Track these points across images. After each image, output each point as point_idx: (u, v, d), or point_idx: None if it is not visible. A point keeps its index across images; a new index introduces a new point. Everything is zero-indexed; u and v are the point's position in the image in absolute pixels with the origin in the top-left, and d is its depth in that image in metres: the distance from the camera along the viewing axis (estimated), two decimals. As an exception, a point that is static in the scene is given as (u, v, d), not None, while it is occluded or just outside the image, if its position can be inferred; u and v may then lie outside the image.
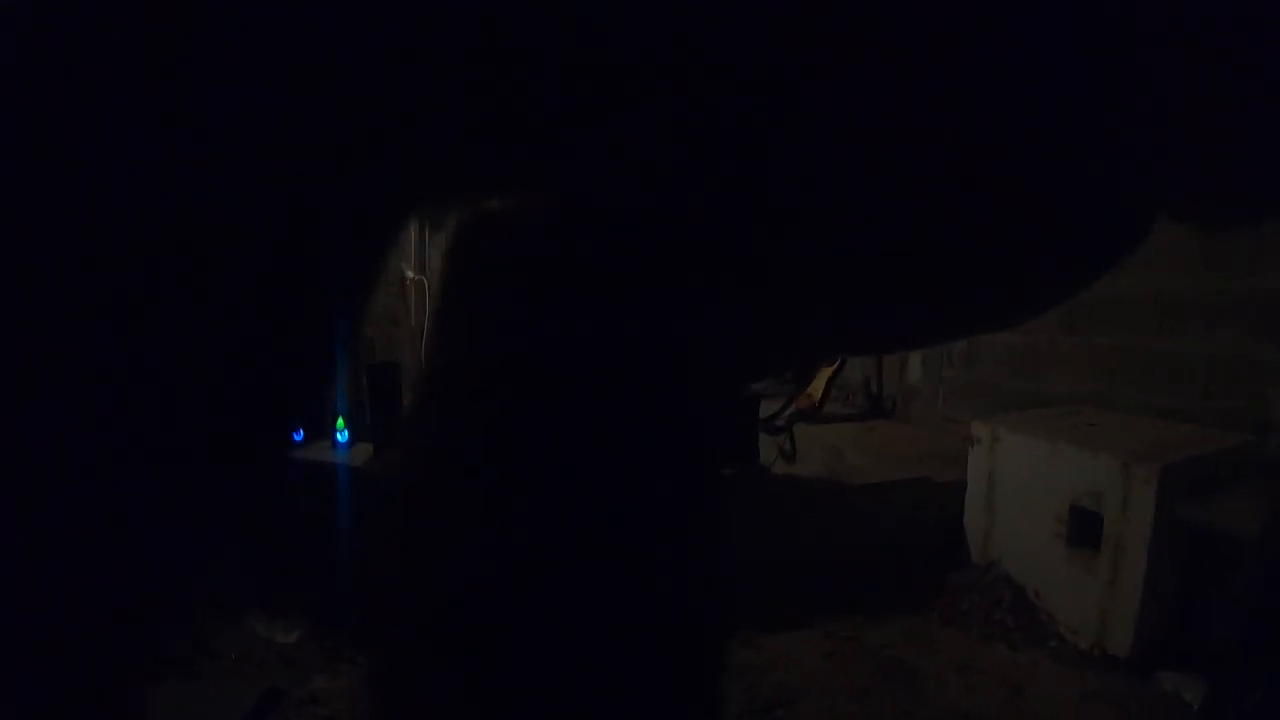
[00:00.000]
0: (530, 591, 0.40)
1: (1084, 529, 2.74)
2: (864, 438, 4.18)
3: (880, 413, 4.88)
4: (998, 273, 0.47)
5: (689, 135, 0.36)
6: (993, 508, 3.13)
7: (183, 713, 2.24)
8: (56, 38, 0.26)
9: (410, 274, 4.33)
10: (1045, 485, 2.88)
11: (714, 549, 0.46)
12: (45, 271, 0.28)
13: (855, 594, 3.03)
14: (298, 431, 3.26)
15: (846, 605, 2.96)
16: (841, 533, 3.20)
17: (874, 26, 0.35)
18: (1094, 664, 2.63)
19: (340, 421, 3.32)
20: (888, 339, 0.57)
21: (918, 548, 3.26)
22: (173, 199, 0.29)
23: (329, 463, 3.12)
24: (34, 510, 0.29)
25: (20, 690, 0.30)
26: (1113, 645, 2.63)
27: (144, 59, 0.27)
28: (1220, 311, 3.16)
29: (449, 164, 0.35)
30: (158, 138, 0.28)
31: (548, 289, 0.41)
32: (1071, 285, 0.53)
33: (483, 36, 0.31)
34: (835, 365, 4.28)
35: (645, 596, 0.42)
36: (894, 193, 0.40)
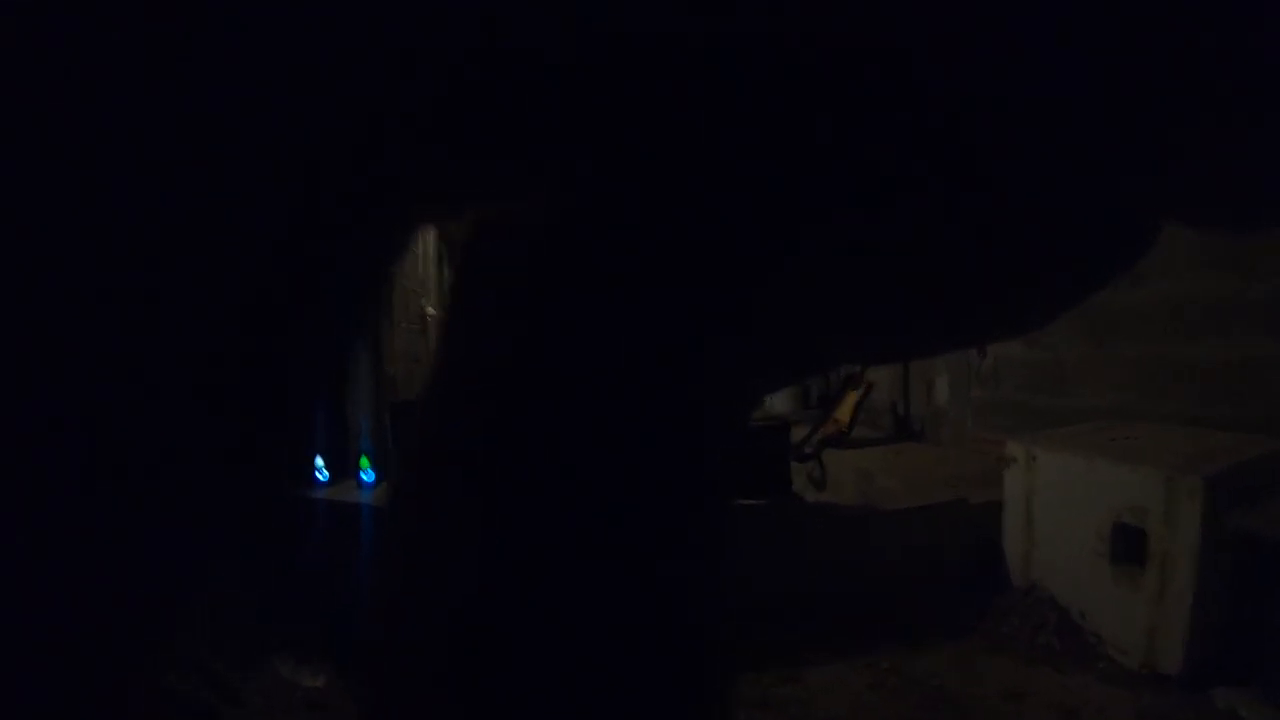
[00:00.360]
0: (528, 594, 0.41)
1: (1128, 545, 2.68)
2: (894, 461, 4.14)
3: (908, 435, 4.84)
4: (998, 274, 0.47)
5: (691, 135, 0.37)
6: (1032, 528, 3.06)
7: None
8: (56, 37, 0.26)
9: (431, 310, 4.33)
10: (1085, 503, 2.82)
11: (714, 552, 0.46)
12: (44, 271, 0.28)
13: (896, 622, 2.96)
14: (315, 457, 3.24)
15: (887, 634, 2.89)
16: (878, 559, 3.15)
17: (875, 24, 0.35)
18: (1145, 684, 2.55)
19: (365, 461, 3.29)
20: (891, 344, 0.56)
21: (956, 572, 3.20)
22: (171, 198, 0.29)
23: (354, 502, 3.09)
24: (32, 509, 0.29)
25: (20, 690, 0.29)
26: (1163, 663, 2.55)
27: (143, 58, 0.27)
28: (1246, 313, 3.12)
29: (450, 164, 0.35)
30: (155, 137, 0.28)
31: (546, 289, 0.42)
32: (1075, 289, 0.52)
33: (483, 36, 0.31)
34: (862, 390, 4.23)
35: (644, 599, 0.42)
36: (894, 191, 0.40)
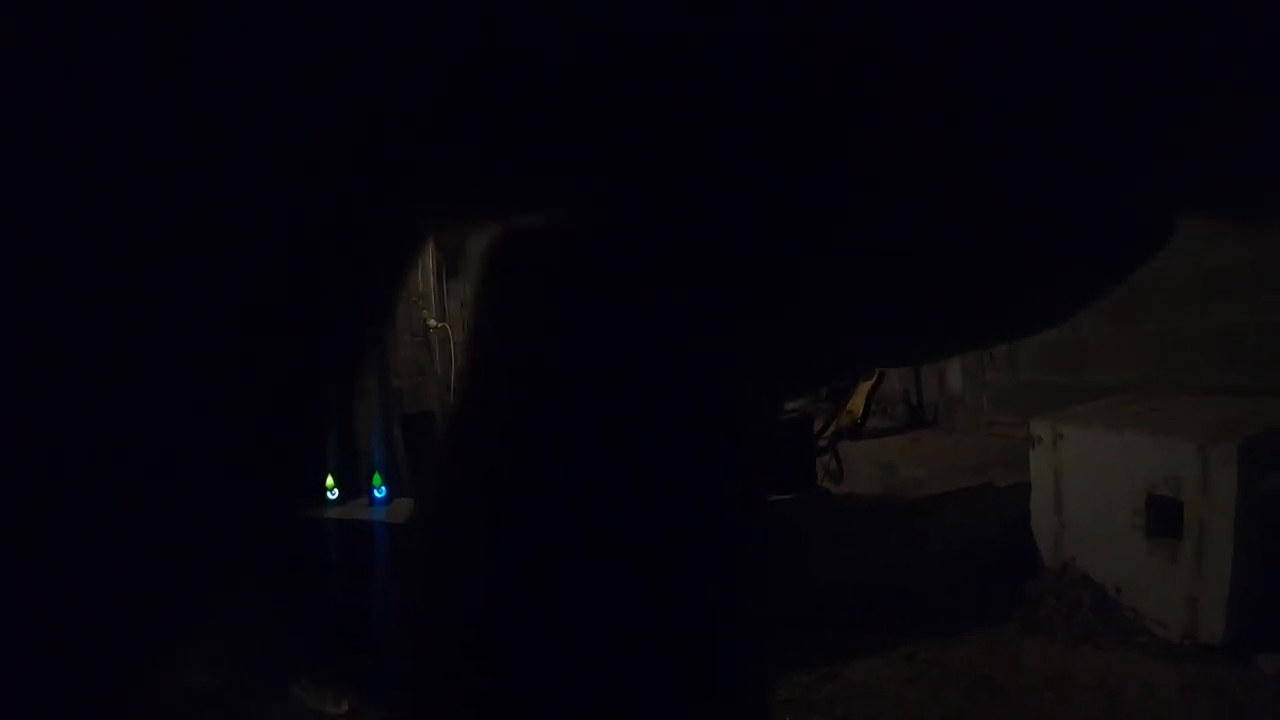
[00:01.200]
0: (533, 598, 0.41)
1: (1164, 517, 2.64)
2: (912, 449, 4.13)
3: (922, 423, 4.82)
4: (999, 274, 0.46)
5: (690, 135, 0.36)
6: (1062, 507, 3.02)
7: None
8: (56, 37, 0.26)
9: (434, 322, 4.32)
10: (1117, 478, 2.77)
11: (728, 558, 0.46)
12: (44, 271, 0.28)
13: (931, 612, 2.91)
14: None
15: (924, 625, 2.84)
16: (908, 549, 3.11)
17: (876, 24, 0.35)
18: (1188, 655, 2.51)
19: (377, 478, 3.23)
20: (892, 346, 0.55)
21: (987, 556, 3.16)
22: (171, 198, 0.29)
23: (366, 520, 3.03)
24: (31, 508, 0.29)
25: (20, 691, 0.29)
26: (1205, 633, 2.51)
27: (143, 58, 0.27)
28: (1265, 280, 3.09)
29: (450, 165, 0.35)
30: (155, 137, 0.28)
31: (547, 291, 0.42)
32: (1079, 291, 0.52)
33: (483, 36, 0.30)
34: (874, 380, 4.19)
35: (649, 602, 0.42)
36: (894, 191, 0.40)
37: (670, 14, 0.33)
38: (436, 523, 0.45)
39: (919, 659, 2.68)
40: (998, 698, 2.45)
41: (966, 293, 0.46)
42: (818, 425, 3.98)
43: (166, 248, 0.29)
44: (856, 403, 4.16)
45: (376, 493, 3.22)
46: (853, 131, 0.38)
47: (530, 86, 0.33)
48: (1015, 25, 0.35)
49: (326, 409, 0.35)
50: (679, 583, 0.41)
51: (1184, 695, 2.36)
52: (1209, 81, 0.38)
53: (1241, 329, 3.18)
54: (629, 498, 0.40)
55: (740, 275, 0.41)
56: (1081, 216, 0.45)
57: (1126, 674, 2.50)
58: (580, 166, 0.37)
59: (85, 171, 0.28)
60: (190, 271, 0.30)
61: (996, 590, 3.01)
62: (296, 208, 0.31)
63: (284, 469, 0.35)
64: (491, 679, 0.39)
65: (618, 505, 0.40)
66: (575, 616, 0.39)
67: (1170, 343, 3.45)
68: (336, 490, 3.22)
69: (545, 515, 0.39)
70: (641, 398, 0.40)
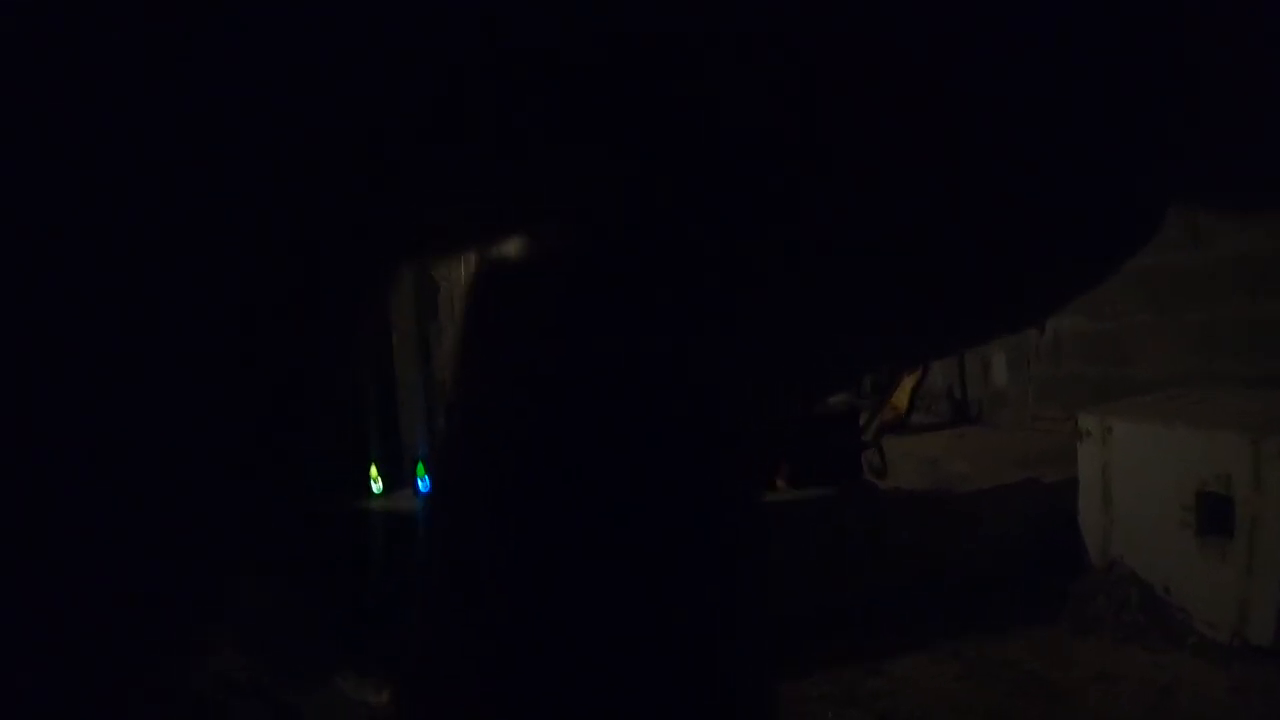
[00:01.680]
0: (538, 597, 0.41)
1: (1214, 515, 2.58)
2: (957, 445, 4.08)
3: (966, 418, 4.77)
4: (999, 273, 0.47)
5: (691, 135, 0.36)
6: (1110, 503, 2.97)
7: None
8: (56, 37, 0.26)
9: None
10: (1167, 473, 2.72)
11: (729, 558, 0.46)
12: (44, 271, 0.28)
13: (977, 608, 2.88)
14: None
15: (970, 621, 2.81)
16: (953, 545, 3.08)
17: (876, 25, 0.35)
18: (1238, 657, 2.45)
19: (421, 469, 3.25)
20: (892, 345, 0.59)
21: (1034, 552, 3.12)
22: (171, 198, 0.29)
23: (411, 511, 3.05)
24: (32, 509, 0.29)
25: (20, 691, 0.29)
26: (1255, 635, 2.45)
27: (143, 58, 0.27)
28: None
29: (450, 165, 0.35)
30: (155, 137, 0.28)
31: (547, 293, 0.42)
32: (1076, 285, 0.53)
33: (483, 36, 0.31)
34: (918, 374, 4.15)
35: (648, 602, 0.43)
36: (894, 191, 0.40)
37: (671, 14, 0.33)
38: (444, 524, 0.46)
39: (966, 655, 2.65)
40: (1045, 695, 2.42)
41: (966, 292, 0.46)
42: (862, 420, 3.96)
43: (166, 248, 0.29)
44: (900, 398, 4.13)
45: (420, 484, 3.25)
46: (853, 131, 0.38)
47: (530, 87, 0.33)
48: (1015, 25, 0.35)
49: (327, 408, 0.36)
50: (677, 582, 0.41)
51: (1235, 696, 2.32)
52: (1208, 81, 0.38)
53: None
54: (628, 498, 0.40)
55: (739, 276, 0.41)
56: (1081, 215, 0.45)
57: (1175, 674, 2.45)
58: (580, 167, 0.37)
59: (85, 171, 0.28)
60: (190, 271, 0.30)
61: (1043, 587, 2.97)
62: (296, 208, 0.31)
63: (284, 468, 0.35)
64: (494, 677, 0.40)
65: (617, 505, 0.40)
66: (575, 616, 0.39)
67: (1216, 334, 3.38)
68: (380, 482, 3.25)
69: (546, 516, 0.40)
70: (641, 398, 0.40)
